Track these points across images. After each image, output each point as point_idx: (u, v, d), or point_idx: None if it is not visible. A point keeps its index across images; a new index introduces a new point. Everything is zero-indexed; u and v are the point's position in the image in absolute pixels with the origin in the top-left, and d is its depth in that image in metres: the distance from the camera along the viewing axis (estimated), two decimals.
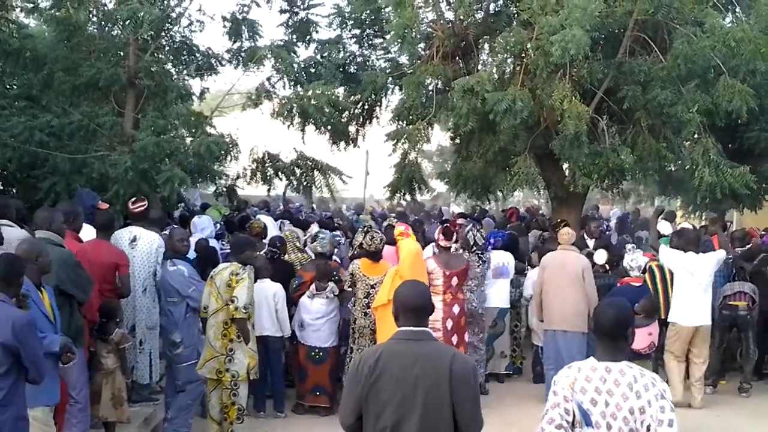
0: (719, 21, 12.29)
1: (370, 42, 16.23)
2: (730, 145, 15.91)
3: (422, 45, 14.13)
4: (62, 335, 6.21)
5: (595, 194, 27.48)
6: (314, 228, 11.64)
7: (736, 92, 12.15)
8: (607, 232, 17.51)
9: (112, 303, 8.09)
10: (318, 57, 15.41)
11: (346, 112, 15.11)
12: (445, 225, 10.84)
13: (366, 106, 15.85)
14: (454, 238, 10.40)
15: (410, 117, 14.26)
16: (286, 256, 10.94)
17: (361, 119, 16.05)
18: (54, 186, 11.23)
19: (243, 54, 14.34)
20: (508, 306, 11.86)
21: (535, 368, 11.92)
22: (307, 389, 10.12)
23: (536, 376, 11.78)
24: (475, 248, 11.10)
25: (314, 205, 21.82)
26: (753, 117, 13.54)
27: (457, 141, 15.45)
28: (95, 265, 7.90)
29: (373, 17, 15.08)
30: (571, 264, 10.36)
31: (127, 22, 11.73)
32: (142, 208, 9.50)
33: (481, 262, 11.12)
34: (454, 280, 10.04)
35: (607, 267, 11.09)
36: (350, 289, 10.05)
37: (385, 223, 13.13)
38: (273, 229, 12.87)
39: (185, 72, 14.20)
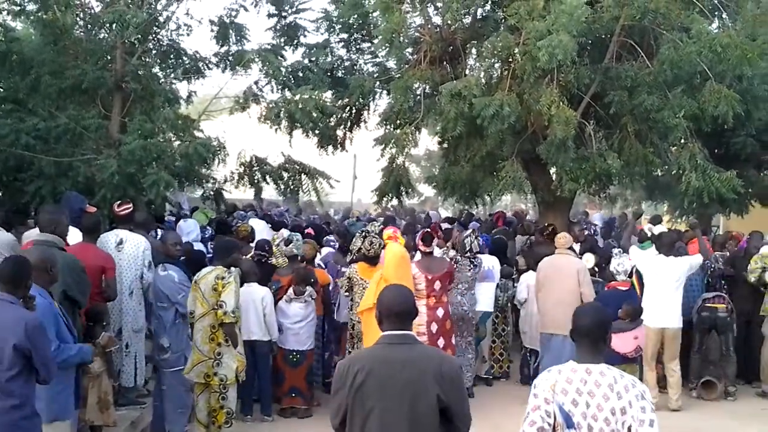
0: (705, 27, 12.31)
1: (357, 46, 16.23)
2: (716, 150, 15.98)
3: (410, 49, 14.16)
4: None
5: (582, 199, 27.54)
6: (284, 232, 11.63)
7: (723, 97, 12.20)
8: (595, 236, 17.53)
9: (99, 306, 8.07)
10: (306, 61, 15.37)
11: (334, 117, 15.08)
12: (425, 230, 10.89)
13: (354, 111, 15.87)
14: (435, 242, 10.46)
15: (398, 121, 14.30)
16: (273, 259, 10.94)
17: (348, 123, 16.05)
18: (39, 189, 11.16)
19: (231, 58, 14.30)
20: (492, 310, 11.93)
21: (523, 370, 11.96)
22: (283, 391, 10.24)
23: (523, 378, 11.83)
24: (468, 253, 11.19)
25: (300, 209, 21.73)
26: (739, 122, 13.60)
27: (445, 145, 15.46)
28: None
29: (360, 22, 15.08)
30: (566, 267, 10.46)
31: (113, 26, 11.70)
32: (128, 211, 9.47)
33: (472, 266, 11.20)
34: (437, 284, 10.10)
35: (596, 270, 11.16)
36: (347, 293, 10.10)
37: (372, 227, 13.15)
38: (264, 232, 12.87)
39: (172, 75, 14.18)
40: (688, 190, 12.64)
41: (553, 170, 13.93)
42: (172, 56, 14.04)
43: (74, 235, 8.76)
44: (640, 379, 9.49)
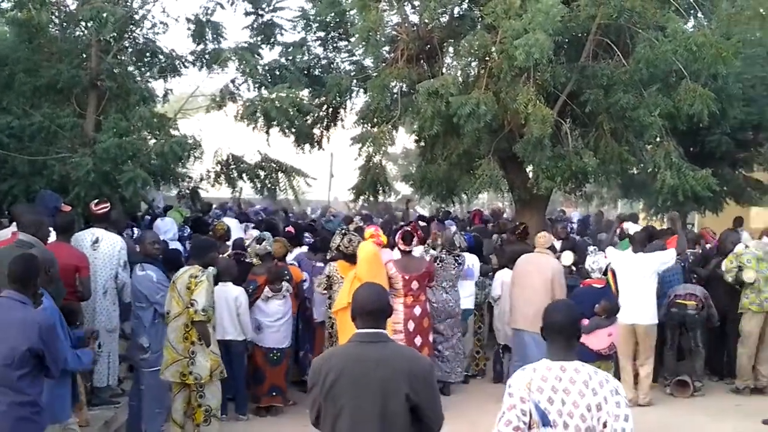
0: (681, 26, 12.38)
1: (334, 45, 16.17)
2: (691, 149, 16.07)
3: (387, 48, 14.14)
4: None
5: (559, 197, 27.65)
6: (254, 231, 11.62)
7: (698, 96, 12.28)
8: (571, 234, 17.62)
9: (73, 305, 7.98)
10: (283, 60, 15.31)
11: (311, 115, 15.04)
12: (405, 229, 10.90)
13: (331, 109, 15.85)
14: (414, 241, 10.47)
15: (375, 120, 14.26)
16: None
17: (325, 122, 16.01)
18: (12, 189, 11.10)
19: (207, 56, 14.23)
20: (473, 307, 11.96)
21: (495, 367, 12.01)
22: (263, 391, 10.20)
23: (496, 376, 11.89)
24: (455, 250, 11.22)
25: (285, 209, 21.67)
26: (714, 121, 13.69)
27: (422, 144, 15.45)
28: None
29: (337, 20, 15.03)
30: (541, 266, 10.52)
31: (89, 24, 11.64)
32: (105, 210, 9.42)
33: (457, 264, 11.24)
34: (414, 284, 10.14)
35: (573, 268, 11.23)
36: (325, 291, 10.10)
37: (352, 226, 13.18)
38: (239, 231, 12.84)
39: (148, 74, 14.08)
40: (663, 188, 12.72)
41: (529, 168, 13.97)
42: (148, 54, 13.95)
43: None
44: (616, 376, 9.55)
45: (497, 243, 14.69)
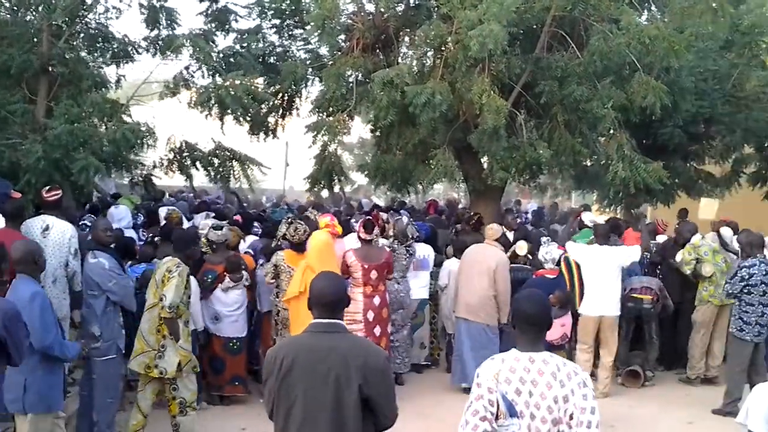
0: (635, 18, 12.47)
1: (290, 33, 16.06)
2: (644, 141, 16.19)
3: (342, 37, 14.09)
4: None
5: (514, 188, 27.78)
6: (209, 221, 11.53)
7: (651, 89, 12.41)
8: (525, 225, 17.70)
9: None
10: (237, 47, 15.18)
11: (266, 103, 14.96)
12: (366, 218, 10.89)
13: (286, 97, 15.75)
14: (375, 231, 10.47)
15: (330, 109, 14.21)
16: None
17: (280, 110, 15.94)
18: None
19: (161, 42, 14.02)
20: (428, 297, 11.99)
21: (448, 358, 12.06)
22: (225, 380, 10.19)
23: (449, 366, 11.91)
24: (407, 241, 11.28)
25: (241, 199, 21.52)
26: (667, 113, 13.82)
27: (377, 133, 15.41)
28: None
29: (293, 8, 14.96)
30: (487, 257, 10.71)
31: (40, 8, 11.44)
32: (57, 197, 9.26)
33: (408, 255, 11.29)
34: (374, 273, 10.14)
35: (528, 258, 11.31)
36: (273, 280, 10.06)
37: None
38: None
39: (101, 59, 13.86)
40: (615, 180, 12.85)
41: (484, 159, 14.00)
42: (100, 40, 13.71)
43: None
44: None
45: (452, 233, 14.72)
